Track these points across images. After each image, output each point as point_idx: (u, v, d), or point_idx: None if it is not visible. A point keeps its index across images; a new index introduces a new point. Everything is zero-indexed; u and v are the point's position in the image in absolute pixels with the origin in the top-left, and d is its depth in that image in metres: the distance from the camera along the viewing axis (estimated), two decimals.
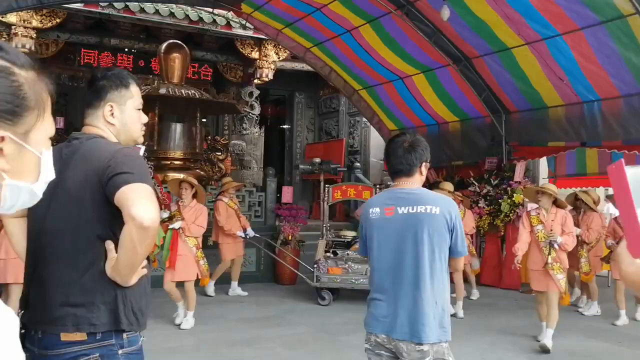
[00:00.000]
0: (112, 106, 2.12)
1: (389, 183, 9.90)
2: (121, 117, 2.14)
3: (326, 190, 8.76)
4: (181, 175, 9.78)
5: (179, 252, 6.57)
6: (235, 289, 8.59)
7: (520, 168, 9.11)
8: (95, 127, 2.13)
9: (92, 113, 2.14)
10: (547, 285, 5.92)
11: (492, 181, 9.30)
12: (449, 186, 8.42)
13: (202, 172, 10.24)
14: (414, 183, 2.79)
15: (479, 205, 9.32)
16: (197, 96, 9.68)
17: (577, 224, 7.17)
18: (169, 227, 6.60)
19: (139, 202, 1.82)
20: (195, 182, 7.07)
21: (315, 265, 7.92)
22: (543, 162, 10.80)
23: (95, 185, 1.91)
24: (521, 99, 8.84)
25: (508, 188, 9.05)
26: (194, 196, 6.89)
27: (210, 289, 8.41)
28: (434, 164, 10.90)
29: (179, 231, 6.61)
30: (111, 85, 2.13)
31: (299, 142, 16.09)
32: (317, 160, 10.68)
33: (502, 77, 8.76)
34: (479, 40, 8.38)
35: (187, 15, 11.60)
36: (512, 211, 8.96)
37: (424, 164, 2.80)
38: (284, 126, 17.06)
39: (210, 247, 8.47)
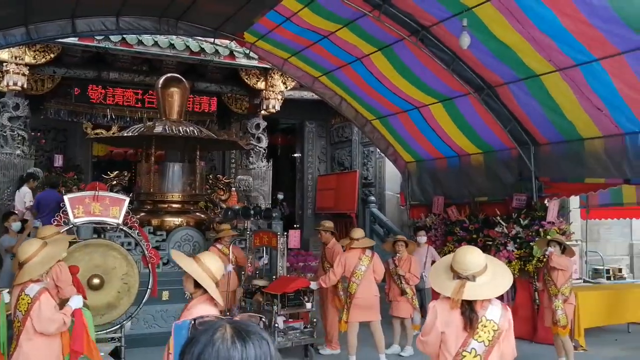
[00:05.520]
0: None
1: (417, 239, 8.94)
2: None
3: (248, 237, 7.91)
4: (179, 219, 8.97)
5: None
6: None
7: (553, 207, 8.13)
8: None
9: None
10: None
11: (521, 221, 8.34)
12: (358, 233, 7.19)
13: (202, 216, 9.40)
14: None
15: (507, 248, 8.37)
16: (197, 134, 8.88)
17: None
18: None
19: None
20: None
21: None
22: None
23: None
24: (552, 130, 7.93)
25: (540, 229, 8.09)
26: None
27: None
28: (455, 200, 10.01)
29: None
30: None
31: (310, 173, 15.28)
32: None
33: (529, 106, 7.87)
34: (503, 67, 7.52)
35: (187, 47, 10.95)
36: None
37: None
38: (295, 154, 16.28)
39: None
